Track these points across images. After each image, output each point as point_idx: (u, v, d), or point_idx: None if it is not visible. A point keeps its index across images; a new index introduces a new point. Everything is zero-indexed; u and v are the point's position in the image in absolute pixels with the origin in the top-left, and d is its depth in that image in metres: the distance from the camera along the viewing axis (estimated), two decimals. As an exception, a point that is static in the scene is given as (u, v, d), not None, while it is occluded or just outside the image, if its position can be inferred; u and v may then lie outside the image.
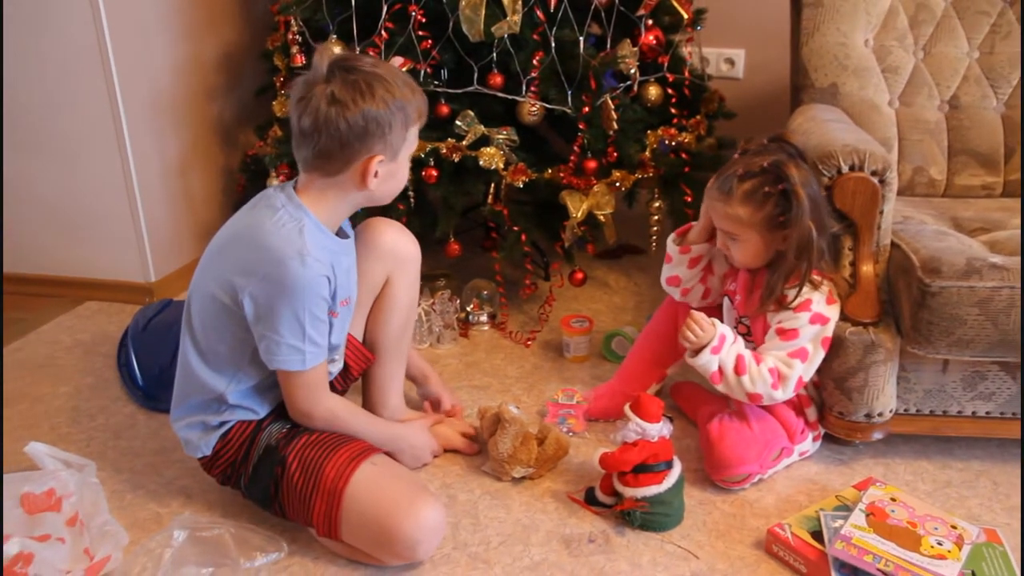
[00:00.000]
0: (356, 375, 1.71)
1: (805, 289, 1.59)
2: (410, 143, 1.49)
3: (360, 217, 1.67)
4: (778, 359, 1.60)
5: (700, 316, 1.60)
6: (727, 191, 1.59)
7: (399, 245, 1.68)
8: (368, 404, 1.77)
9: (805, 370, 1.59)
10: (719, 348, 1.60)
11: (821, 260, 1.60)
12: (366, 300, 1.68)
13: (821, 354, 1.61)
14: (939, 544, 1.41)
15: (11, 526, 1.37)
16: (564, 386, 1.98)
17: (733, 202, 1.58)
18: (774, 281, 1.60)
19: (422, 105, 1.49)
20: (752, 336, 1.69)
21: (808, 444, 1.73)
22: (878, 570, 1.36)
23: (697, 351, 1.60)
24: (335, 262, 1.49)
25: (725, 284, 1.78)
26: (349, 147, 1.42)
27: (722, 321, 1.66)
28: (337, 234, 1.55)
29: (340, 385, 1.68)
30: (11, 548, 1.33)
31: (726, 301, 1.77)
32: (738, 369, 1.59)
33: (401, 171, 1.51)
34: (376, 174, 1.45)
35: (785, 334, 1.60)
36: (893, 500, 1.51)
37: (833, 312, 1.61)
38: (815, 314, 1.59)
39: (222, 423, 1.53)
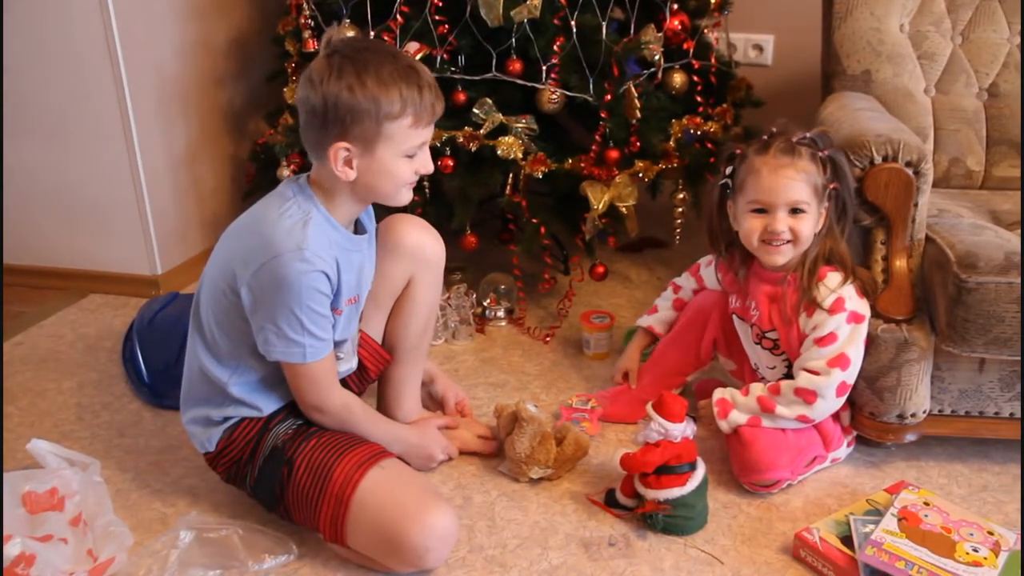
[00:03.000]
0: (374, 376, 1.69)
1: (834, 283, 1.56)
2: (395, 140, 1.40)
3: (380, 214, 1.64)
4: (806, 379, 1.56)
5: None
6: (793, 152, 1.55)
7: (424, 245, 1.65)
8: (382, 405, 1.75)
9: (849, 375, 1.56)
10: (723, 412, 1.62)
11: (848, 242, 1.59)
12: (386, 301, 1.65)
13: (861, 354, 1.57)
14: (975, 551, 1.38)
15: (12, 526, 1.36)
16: (584, 384, 1.96)
17: (802, 161, 1.54)
18: (805, 275, 1.58)
19: (416, 101, 1.38)
20: (780, 349, 1.66)
21: (843, 450, 1.70)
22: None
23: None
24: (343, 258, 1.45)
25: (730, 303, 1.75)
26: (315, 129, 1.39)
27: (741, 340, 1.68)
28: (356, 229, 1.52)
29: (356, 386, 1.65)
30: (12, 549, 1.31)
31: (737, 322, 1.74)
32: (767, 409, 1.59)
33: (389, 168, 1.43)
34: (349, 164, 1.40)
35: (822, 340, 1.56)
36: (926, 504, 1.48)
37: (866, 308, 1.58)
38: (850, 313, 1.56)
39: (225, 419, 1.52)
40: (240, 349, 1.48)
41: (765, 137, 1.60)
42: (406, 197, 1.49)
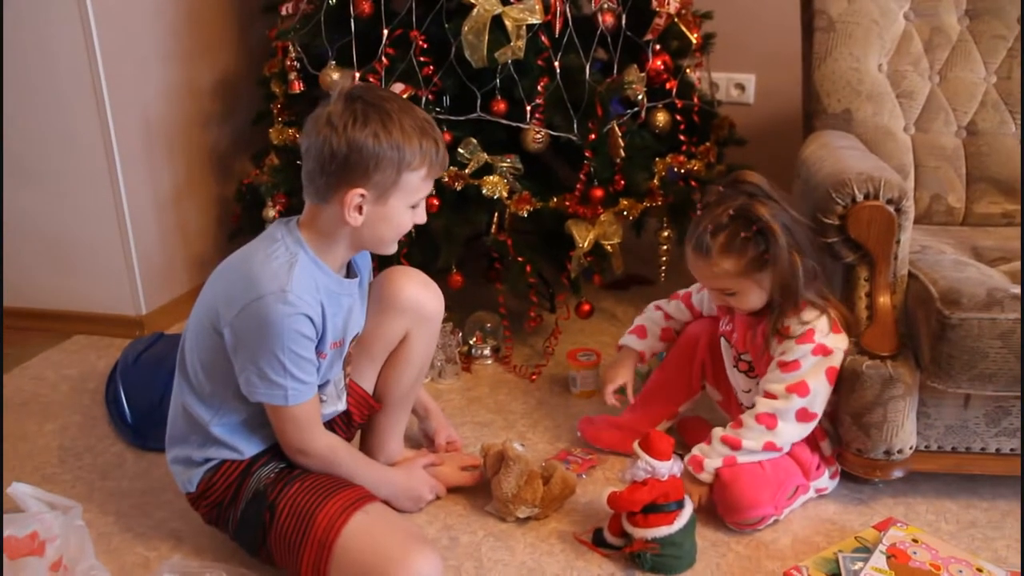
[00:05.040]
0: (360, 422, 1.67)
1: (809, 316, 1.58)
2: (408, 190, 1.42)
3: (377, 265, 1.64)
4: (765, 404, 1.58)
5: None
6: (704, 251, 1.58)
7: (422, 301, 1.64)
8: (365, 447, 1.74)
9: (810, 403, 1.57)
10: (698, 467, 1.61)
11: (815, 281, 1.58)
12: (380, 354, 1.64)
13: (826, 386, 1.58)
14: (964, 588, 1.37)
15: (-10, 572, 1.33)
16: (570, 422, 1.95)
17: (714, 259, 1.57)
18: (775, 318, 1.60)
19: (432, 154, 1.41)
20: (755, 372, 1.68)
21: (825, 480, 1.70)
22: None
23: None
24: (331, 302, 1.45)
25: (720, 324, 1.76)
26: (330, 174, 1.38)
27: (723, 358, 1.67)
28: (348, 273, 1.52)
29: (343, 432, 1.63)
30: (-10, 595, 1.29)
31: (723, 341, 1.76)
32: (734, 446, 1.60)
33: (396, 218, 1.44)
34: (360, 211, 1.40)
35: (786, 366, 1.59)
36: (915, 541, 1.48)
37: (838, 342, 1.59)
38: (818, 345, 1.57)
39: (206, 459, 1.50)
40: (224, 390, 1.46)
41: (697, 212, 1.63)
42: (395, 247, 1.51)
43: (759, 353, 1.66)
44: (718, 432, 1.63)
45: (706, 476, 1.62)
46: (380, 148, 1.36)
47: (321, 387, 1.51)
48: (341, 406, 1.59)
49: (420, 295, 1.63)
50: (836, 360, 1.58)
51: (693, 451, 1.64)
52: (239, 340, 1.39)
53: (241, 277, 1.41)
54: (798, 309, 1.58)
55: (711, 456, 1.61)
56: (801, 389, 1.56)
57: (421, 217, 1.49)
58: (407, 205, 1.44)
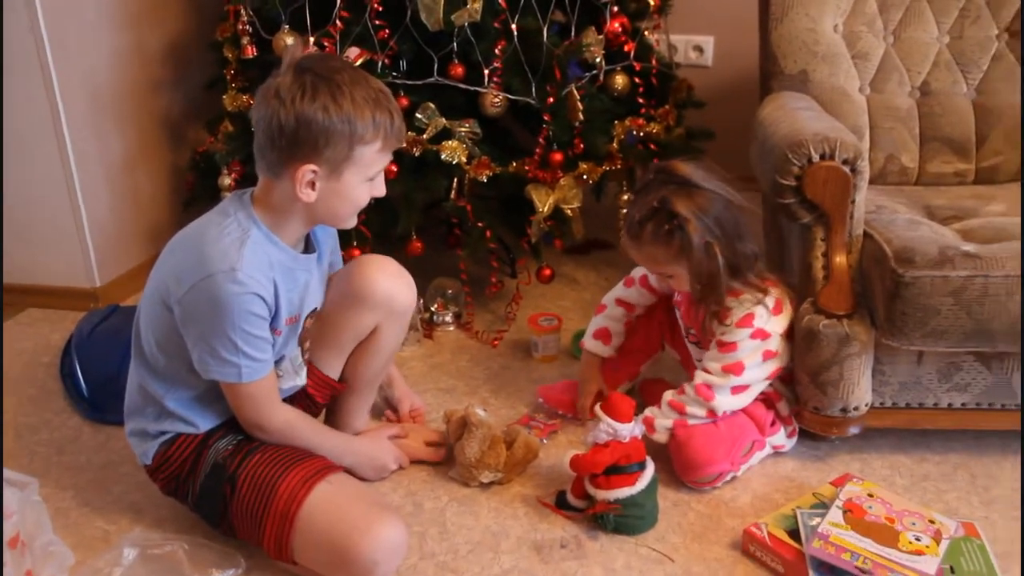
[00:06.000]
0: (323, 403, 1.66)
1: (749, 301, 1.61)
2: (362, 164, 1.37)
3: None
4: (710, 371, 1.63)
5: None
6: (635, 236, 1.61)
7: (394, 295, 1.60)
8: (329, 422, 1.73)
9: (746, 378, 1.61)
10: (650, 428, 1.65)
11: (751, 269, 1.61)
12: (348, 345, 1.62)
13: (765, 366, 1.62)
14: (917, 540, 1.41)
15: (-54, 549, 1.31)
16: (531, 386, 1.96)
17: (644, 246, 1.61)
18: (707, 304, 1.62)
19: (387, 126, 1.36)
20: (702, 344, 1.71)
21: (782, 438, 1.72)
22: (856, 568, 1.36)
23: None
24: (286, 277, 1.42)
25: (674, 296, 1.79)
26: (280, 149, 1.34)
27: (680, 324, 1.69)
28: (307, 247, 1.49)
29: (307, 412, 1.60)
30: (-55, 573, 1.27)
31: (676, 312, 1.79)
32: (679, 410, 1.64)
33: (351, 193, 1.40)
34: (312, 186, 1.36)
35: (724, 347, 1.62)
36: (870, 496, 1.51)
37: (778, 325, 1.62)
38: (756, 330, 1.61)
39: (161, 432, 1.48)
40: (178, 365, 1.44)
41: (632, 195, 1.66)
42: (354, 221, 1.47)
43: (702, 330, 1.68)
44: (667, 395, 1.67)
45: (660, 436, 1.65)
46: (330, 122, 1.31)
47: (277, 363, 1.49)
48: (300, 380, 1.57)
49: (393, 289, 1.59)
50: (775, 344, 1.62)
51: (646, 412, 1.68)
52: (189, 318, 1.37)
53: (192, 254, 1.38)
54: (736, 292, 1.60)
55: (662, 417, 1.65)
56: (736, 369, 1.60)
57: (380, 190, 1.45)
58: (362, 179, 1.40)
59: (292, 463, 1.43)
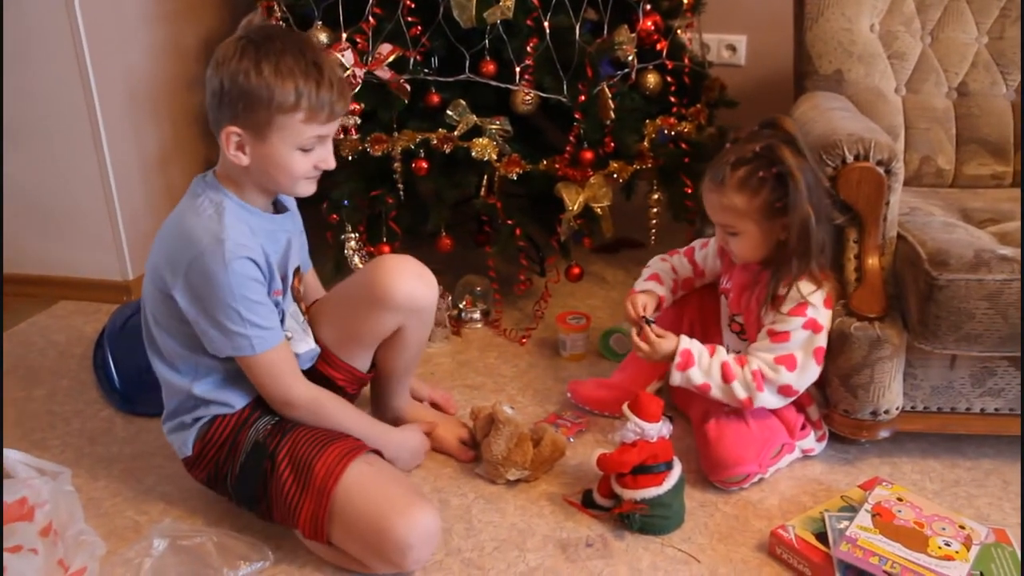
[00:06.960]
0: (354, 393, 1.66)
1: (805, 288, 1.56)
2: (288, 132, 1.36)
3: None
4: (763, 362, 1.57)
5: (648, 332, 1.58)
6: (720, 180, 1.55)
7: (416, 296, 1.59)
8: (375, 410, 1.77)
9: (795, 380, 1.57)
10: (684, 364, 1.58)
11: (821, 254, 1.56)
12: (372, 344, 1.62)
13: (813, 365, 1.57)
14: (947, 545, 1.39)
15: (-19, 537, 1.33)
16: (559, 385, 1.96)
17: (727, 191, 1.55)
18: (775, 279, 1.58)
19: (311, 97, 1.34)
20: (747, 335, 1.68)
21: (811, 442, 1.70)
22: (884, 572, 1.34)
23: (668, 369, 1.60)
24: (269, 239, 1.44)
25: (721, 282, 1.75)
26: (212, 110, 1.39)
27: (721, 319, 1.65)
28: (277, 209, 1.51)
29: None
30: (-20, 560, 1.28)
31: (722, 299, 1.75)
32: (726, 377, 1.58)
33: (282, 160, 1.39)
34: (241, 149, 1.38)
35: (775, 336, 1.58)
36: (900, 500, 1.49)
37: (827, 320, 1.58)
38: (809, 320, 1.56)
39: (196, 419, 1.50)
40: (194, 352, 1.46)
41: (728, 144, 1.60)
42: (306, 189, 1.46)
43: (752, 318, 1.65)
44: (723, 354, 1.60)
45: (678, 378, 1.59)
46: (249, 86, 1.33)
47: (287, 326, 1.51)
48: (311, 342, 1.57)
49: (414, 291, 1.58)
50: (823, 340, 1.57)
51: (690, 345, 1.60)
52: (191, 299, 1.39)
53: (177, 238, 1.41)
54: (797, 278, 1.56)
55: (700, 369, 1.58)
56: (789, 363, 1.56)
57: (326, 161, 1.43)
58: (292, 148, 1.38)
59: (329, 441, 1.44)
